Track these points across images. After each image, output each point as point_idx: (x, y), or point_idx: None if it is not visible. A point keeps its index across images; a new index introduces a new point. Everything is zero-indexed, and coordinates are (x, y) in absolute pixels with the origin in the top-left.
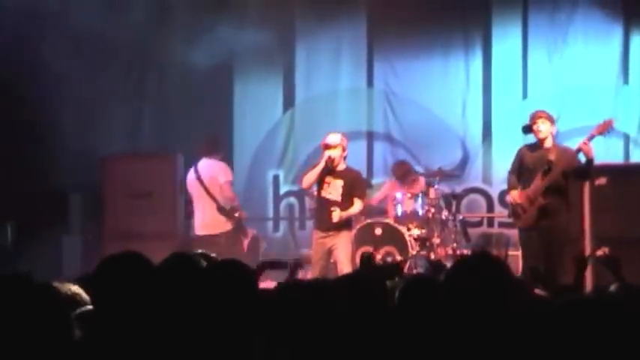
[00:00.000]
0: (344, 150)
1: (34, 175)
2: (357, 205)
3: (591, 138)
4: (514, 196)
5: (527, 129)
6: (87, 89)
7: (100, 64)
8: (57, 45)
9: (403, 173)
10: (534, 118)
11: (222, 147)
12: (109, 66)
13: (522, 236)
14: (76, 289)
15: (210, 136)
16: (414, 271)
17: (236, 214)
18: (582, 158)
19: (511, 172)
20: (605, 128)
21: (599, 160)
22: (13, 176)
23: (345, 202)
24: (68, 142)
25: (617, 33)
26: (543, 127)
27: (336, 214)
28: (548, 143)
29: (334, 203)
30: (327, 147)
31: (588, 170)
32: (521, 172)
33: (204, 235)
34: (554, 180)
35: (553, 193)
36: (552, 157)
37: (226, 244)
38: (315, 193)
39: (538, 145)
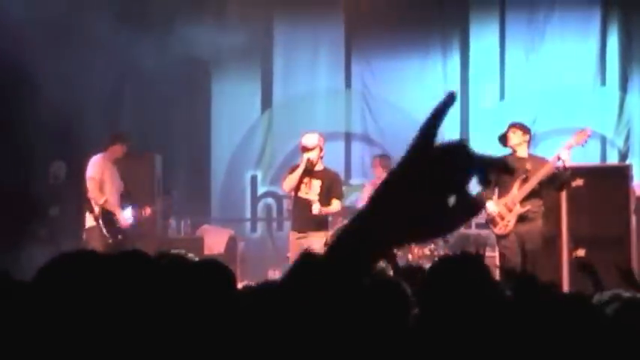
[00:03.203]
0: (321, 150)
1: (10, 173)
2: (336, 205)
3: (570, 147)
4: (489, 207)
5: (502, 139)
6: (64, 89)
7: (77, 64)
8: (32, 45)
9: (386, 167)
10: (507, 128)
11: (115, 141)
12: (87, 65)
13: (502, 243)
14: None
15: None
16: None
17: (95, 212)
18: (559, 163)
19: None
20: (583, 138)
21: (576, 161)
22: None
23: (323, 202)
24: (45, 141)
25: (594, 34)
26: (513, 136)
27: (316, 207)
28: (522, 153)
29: (311, 203)
30: (305, 149)
31: (565, 179)
32: (497, 182)
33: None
34: (531, 188)
35: (530, 200)
36: (529, 166)
37: (85, 240)
38: (293, 193)
39: (513, 155)
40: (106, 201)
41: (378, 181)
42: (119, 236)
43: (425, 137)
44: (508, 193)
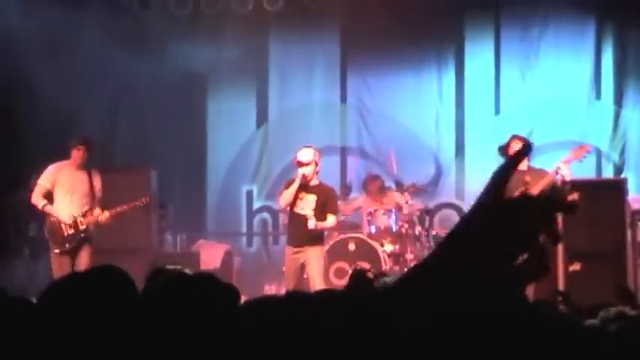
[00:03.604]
0: (317, 165)
1: (3, 187)
2: (331, 220)
3: (568, 162)
4: None
5: (502, 150)
6: (61, 103)
7: (74, 78)
8: (30, 60)
9: (377, 188)
10: (509, 139)
11: (72, 147)
12: (84, 80)
13: None
14: None
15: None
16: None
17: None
18: (558, 177)
19: None
20: (582, 153)
21: (571, 175)
22: None
23: (319, 217)
24: (42, 155)
25: (588, 48)
26: (516, 147)
27: (312, 222)
28: (522, 165)
29: (307, 218)
30: (301, 164)
31: (564, 193)
32: None
33: None
34: None
35: None
36: (528, 178)
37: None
38: (288, 208)
39: None
40: (45, 205)
41: (371, 200)
42: (67, 245)
43: (495, 186)
44: None
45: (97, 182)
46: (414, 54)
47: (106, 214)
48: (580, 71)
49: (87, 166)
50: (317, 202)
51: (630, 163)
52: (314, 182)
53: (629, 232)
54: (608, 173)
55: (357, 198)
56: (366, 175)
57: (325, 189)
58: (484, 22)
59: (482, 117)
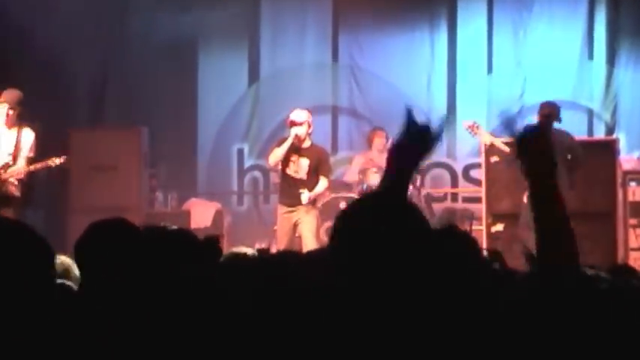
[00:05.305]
0: (310, 127)
1: None
2: (323, 183)
3: None
4: None
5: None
6: (50, 62)
7: (64, 36)
8: (22, 15)
9: (383, 143)
10: (539, 106)
11: None
12: (73, 38)
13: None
14: (67, 261)
15: None
16: None
17: None
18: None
19: None
20: None
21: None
22: None
23: (311, 180)
24: (32, 115)
25: (582, 7)
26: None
27: (305, 197)
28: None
29: (300, 181)
30: (293, 124)
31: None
32: None
33: None
34: None
35: None
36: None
37: None
38: (280, 168)
39: None
40: None
41: (376, 152)
42: None
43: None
44: None
45: (26, 140)
46: (407, 14)
47: (20, 170)
48: (573, 30)
49: (17, 124)
50: (309, 165)
51: (622, 123)
52: (306, 144)
53: (620, 192)
54: (599, 133)
55: (354, 158)
56: (371, 128)
57: (317, 151)
58: None
59: (475, 76)
